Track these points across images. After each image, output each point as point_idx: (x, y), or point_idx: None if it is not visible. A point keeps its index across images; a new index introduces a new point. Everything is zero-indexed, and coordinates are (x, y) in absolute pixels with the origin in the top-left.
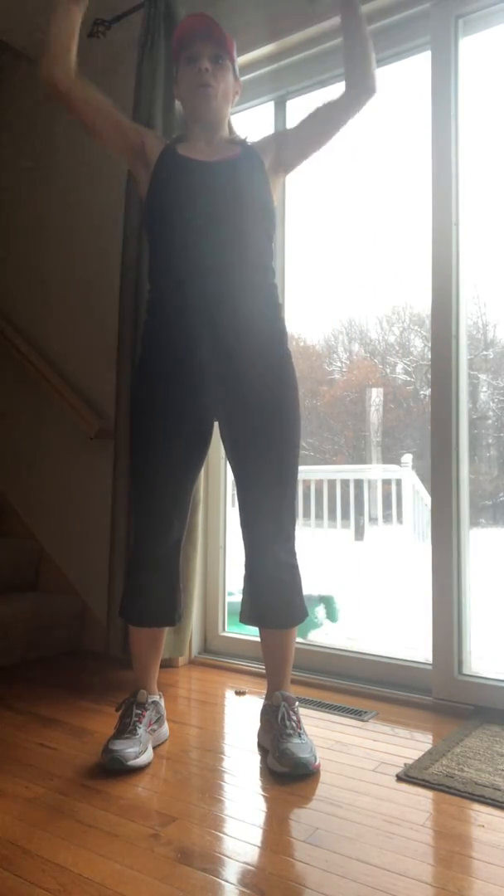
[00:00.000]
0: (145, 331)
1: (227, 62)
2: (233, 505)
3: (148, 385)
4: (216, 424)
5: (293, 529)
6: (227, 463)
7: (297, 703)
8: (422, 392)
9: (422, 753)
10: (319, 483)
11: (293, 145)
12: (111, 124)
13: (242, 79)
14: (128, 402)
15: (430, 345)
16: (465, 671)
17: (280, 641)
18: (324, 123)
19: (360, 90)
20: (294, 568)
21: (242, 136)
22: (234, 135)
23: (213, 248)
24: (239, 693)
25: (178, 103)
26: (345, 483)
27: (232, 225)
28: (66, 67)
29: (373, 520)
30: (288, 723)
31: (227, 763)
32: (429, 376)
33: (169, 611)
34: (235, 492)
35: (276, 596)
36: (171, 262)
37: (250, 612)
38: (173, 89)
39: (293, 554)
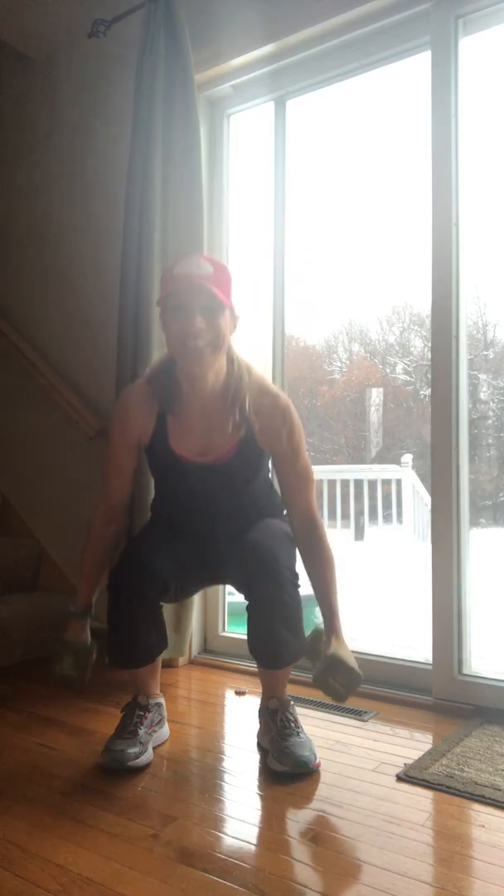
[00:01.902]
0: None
1: (224, 308)
2: None
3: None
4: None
5: (293, 562)
6: None
7: (292, 704)
8: (422, 392)
9: (422, 753)
10: (319, 483)
11: (277, 465)
12: (132, 462)
13: (242, 79)
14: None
15: (430, 345)
16: (465, 671)
17: (275, 671)
18: (283, 494)
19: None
20: (295, 606)
21: (244, 388)
22: (232, 376)
23: (208, 521)
24: (239, 693)
25: (163, 337)
26: (345, 483)
27: (226, 509)
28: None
29: (373, 520)
30: (286, 723)
31: (227, 763)
32: (429, 376)
33: (157, 646)
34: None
35: (273, 636)
36: (169, 510)
37: (250, 648)
38: (161, 329)
39: (295, 586)
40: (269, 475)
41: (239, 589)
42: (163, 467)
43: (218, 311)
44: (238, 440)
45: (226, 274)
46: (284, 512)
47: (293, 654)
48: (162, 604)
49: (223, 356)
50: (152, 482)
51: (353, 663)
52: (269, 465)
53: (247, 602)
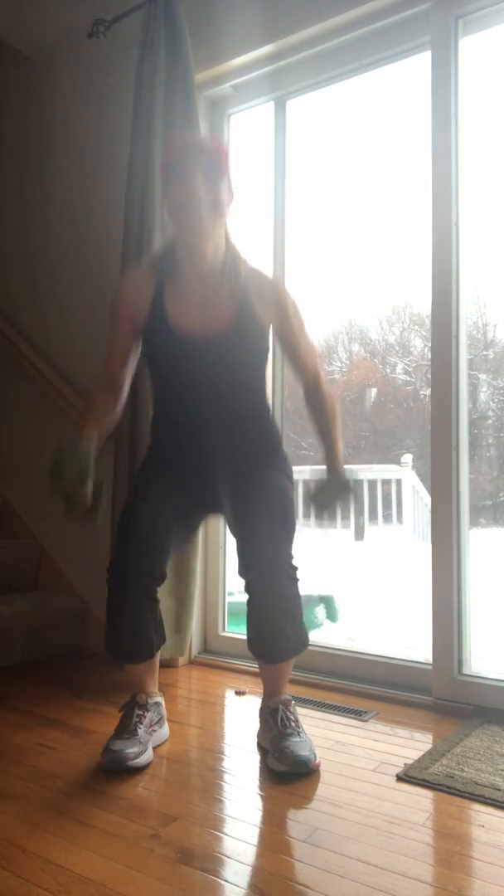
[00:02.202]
0: (147, 455)
1: (220, 175)
2: None
3: (152, 466)
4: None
5: (292, 559)
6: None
7: (293, 703)
8: (422, 392)
9: (422, 753)
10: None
11: (281, 342)
12: (131, 349)
13: (242, 79)
14: (127, 402)
15: (430, 345)
16: (465, 671)
17: (275, 666)
18: (290, 367)
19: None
20: (294, 598)
21: (240, 264)
22: (231, 261)
23: (207, 409)
24: (239, 693)
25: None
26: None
27: (225, 392)
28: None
29: (373, 520)
30: (287, 722)
31: (227, 763)
32: (429, 376)
33: (154, 641)
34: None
35: (273, 629)
36: (168, 410)
37: (250, 644)
38: (161, 208)
39: (294, 580)
40: (268, 393)
41: (239, 567)
42: (161, 347)
43: (216, 176)
44: (234, 310)
45: (223, 147)
46: (285, 456)
47: (293, 647)
48: (159, 600)
49: (222, 229)
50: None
51: (345, 478)
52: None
53: (247, 595)
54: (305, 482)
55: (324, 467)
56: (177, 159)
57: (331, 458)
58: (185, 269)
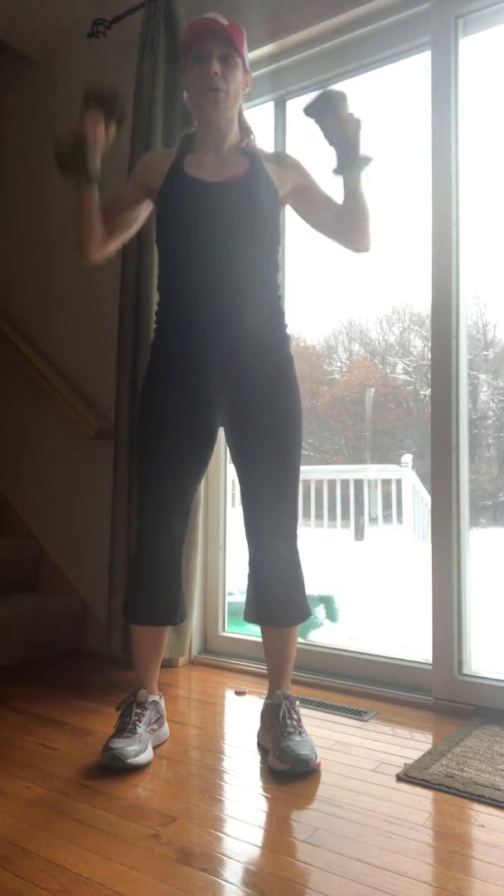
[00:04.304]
0: (154, 338)
1: (237, 59)
2: (233, 505)
3: (154, 389)
4: (220, 430)
5: (295, 528)
6: (230, 463)
7: (297, 702)
8: (422, 392)
9: (422, 753)
10: (319, 483)
11: (303, 207)
12: (132, 207)
13: None
14: (127, 403)
15: (430, 345)
16: (465, 671)
17: (282, 640)
18: (328, 227)
19: (356, 248)
20: (297, 565)
21: (252, 138)
22: (245, 137)
23: (219, 266)
24: (239, 693)
25: (185, 95)
26: (345, 483)
27: (237, 244)
28: (100, 250)
29: (373, 520)
30: (289, 721)
31: (227, 763)
32: (429, 376)
33: (172, 610)
34: (239, 491)
35: (279, 594)
36: (178, 276)
37: (254, 610)
38: (183, 85)
39: (296, 551)
40: (277, 257)
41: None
42: (176, 196)
43: (233, 62)
44: (248, 166)
45: (240, 28)
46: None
47: (300, 612)
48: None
49: (236, 108)
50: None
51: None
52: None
53: (248, 568)
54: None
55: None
56: (194, 39)
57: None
58: (201, 142)
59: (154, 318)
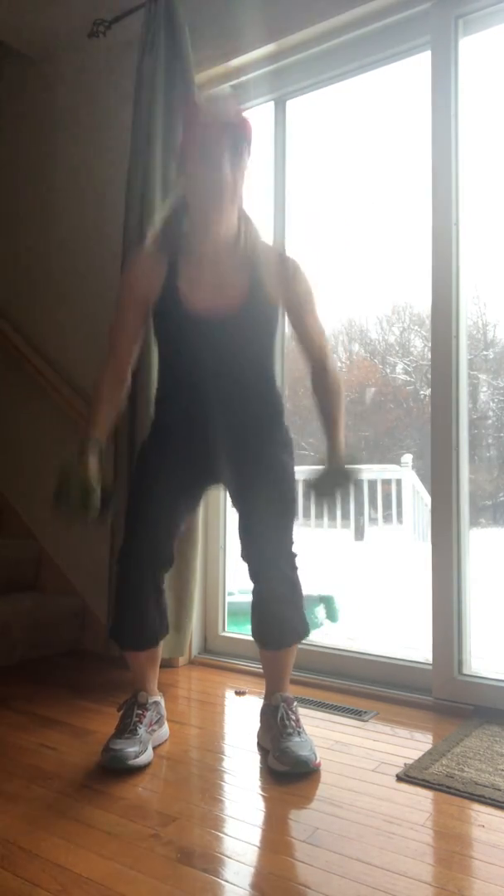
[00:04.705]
0: (154, 416)
1: (247, 154)
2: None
3: (151, 451)
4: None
5: (292, 544)
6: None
7: (295, 702)
8: (422, 392)
9: (422, 753)
10: None
11: (290, 317)
12: (138, 332)
13: (242, 79)
14: (127, 403)
15: (430, 345)
16: (465, 671)
17: (278, 656)
18: (300, 350)
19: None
20: (296, 584)
21: (251, 230)
22: (243, 226)
23: (216, 374)
24: (239, 693)
25: (178, 180)
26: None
27: (235, 361)
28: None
29: (373, 520)
30: (287, 722)
31: (227, 763)
32: (429, 376)
33: (159, 629)
34: (238, 522)
35: (273, 616)
36: (177, 371)
37: (252, 628)
38: (176, 164)
39: (295, 567)
40: (275, 370)
41: (233, 501)
42: (171, 325)
43: (241, 159)
44: (247, 286)
45: (248, 121)
46: (288, 433)
47: (295, 634)
48: (164, 590)
49: (237, 202)
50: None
51: (345, 468)
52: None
53: (251, 591)
54: (305, 480)
55: (324, 454)
56: (205, 137)
57: (332, 445)
58: (197, 245)
59: (154, 404)
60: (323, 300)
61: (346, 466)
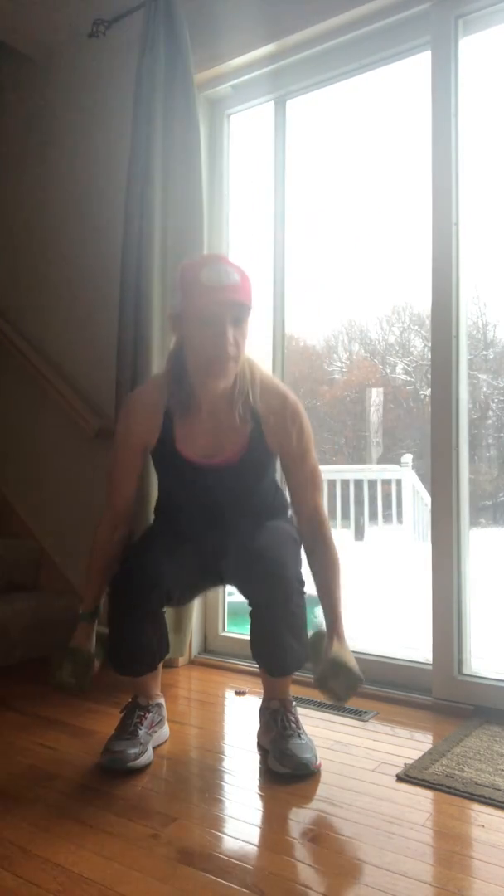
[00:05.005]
0: (155, 522)
1: (248, 317)
2: None
3: (163, 528)
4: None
5: (299, 571)
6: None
7: (294, 703)
8: (422, 392)
9: (422, 753)
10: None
11: (284, 464)
12: (136, 473)
13: (242, 79)
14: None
15: (430, 345)
16: (465, 671)
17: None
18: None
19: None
20: (300, 609)
21: (251, 385)
22: (242, 390)
23: (217, 512)
24: (239, 693)
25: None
26: (345, 483)
27: (234, 505)
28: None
29: (373, 520)
30: (287, 724)
31: (227, 763)
32: (429, 376)
33: (158, 653)
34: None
35: (276, 641)
36: (174, 507)
37: (254, 655)
38: (171, 326)
39: (301, 594)
40: (276, 476)
41: (243, 592)
42: (169, 470)
43: (244, 323)
44: (246, 440)
45: (249, 281)
46: (290, 514)
47: (297, 661)
48: (164, 611)
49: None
50: (156, 483)
51: (354, 666)
52: (277, 466)
53: (249, 607)
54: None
55: (322, 641)
56: (207, 307)
57: (332, 632)
58: (195, 400)
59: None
60: (323, 301)
61: (351, 662)
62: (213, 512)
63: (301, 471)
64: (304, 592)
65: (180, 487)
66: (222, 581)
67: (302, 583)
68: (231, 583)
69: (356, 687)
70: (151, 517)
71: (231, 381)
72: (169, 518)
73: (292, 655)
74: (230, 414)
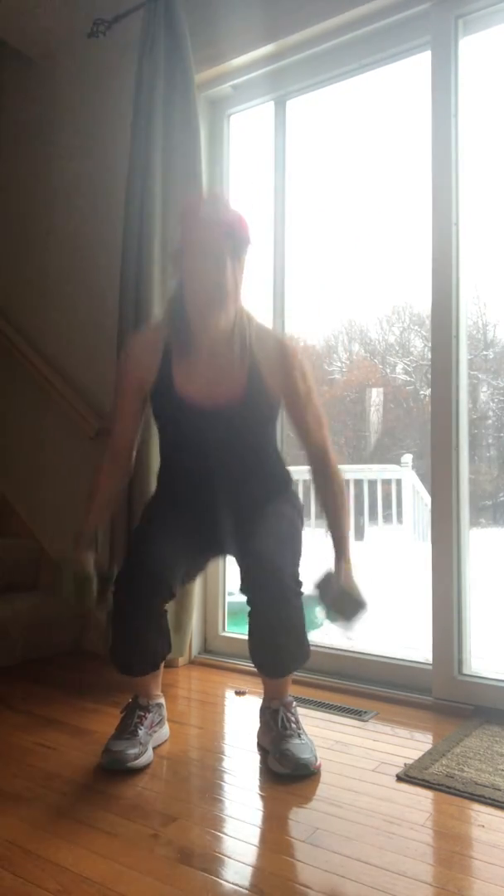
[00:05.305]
0: (157, 492)
1: (244, 254)
2: None
3: (162, 505)
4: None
5: (297, 572)
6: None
7: (294, 704)
8: (422, 392)
9: (422, 753)
10: None
11: (288, 408)
12: (137, 418)
13: (242, 79)
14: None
15: (430, 345)
16: (465, 671)
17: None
18: (298, 438)
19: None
20: (298, 610)
21: (249, 324)
22: (239, 322)
23: (217, 464)
24: (239, 693)
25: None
26: (345, 483)
27: (234, 453)
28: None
29: (373, 520)
30: (287, 724)
31: (227, 763)
32: (429, 376)
33: (161, 651)
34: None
35: (275, 642)
36: (177, 457)
37: (252, 656)
38: (173, 264)
39: (299, 595)
40: (278, 443)
41: (241, 590)
42: (169, 418)
43: (241, 259)
44: (245, 380)
45: (244, 220)
46: (293, 488)
47: (295, 663)
48: (166, 608)
49: (236, 299)
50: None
51: (359, 593)
52: (277, 428)
53: (248, 608)
54: (317, 593)
55: (331, 569)
56: (206, 239)
57: (339, 555)
58: (195, 339)
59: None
60: (323, 301)
61: (356, 590)
62: (215, 475)
63: (308, 410)
64: (301, 593)
65: (181, 440)
66: (223, 552)
67: (299, 583)
68: (232, 553)
69: (360, 613)
70: (152, 487)
71: (230, 319)
72: (170, 490)
73: (289, 657)
74: (229, 354)
